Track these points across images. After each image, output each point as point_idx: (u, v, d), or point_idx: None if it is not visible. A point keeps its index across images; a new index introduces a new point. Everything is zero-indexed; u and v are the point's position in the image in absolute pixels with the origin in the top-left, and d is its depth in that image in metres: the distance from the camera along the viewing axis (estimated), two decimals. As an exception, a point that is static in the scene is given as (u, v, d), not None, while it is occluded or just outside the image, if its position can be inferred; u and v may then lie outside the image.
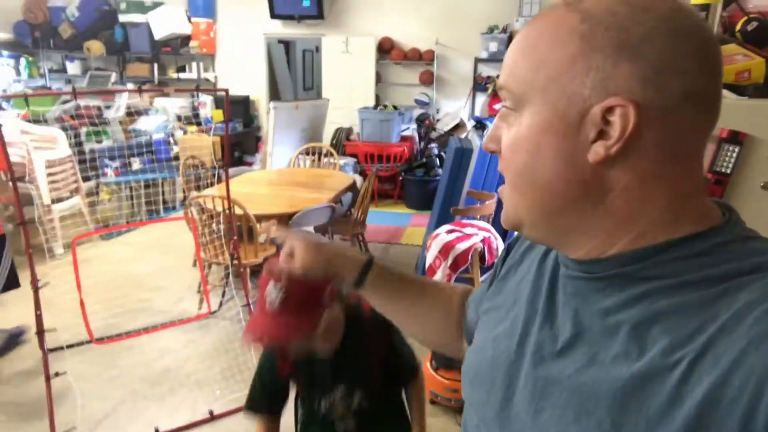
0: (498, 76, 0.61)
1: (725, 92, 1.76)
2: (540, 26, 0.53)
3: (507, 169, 0.56)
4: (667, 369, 0.45)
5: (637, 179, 0.50)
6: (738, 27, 1.92)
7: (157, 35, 7.15)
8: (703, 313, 0.46)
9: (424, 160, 6.34)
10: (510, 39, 6.38)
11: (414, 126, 6.85)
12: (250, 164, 7.17)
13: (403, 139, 6.63)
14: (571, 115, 0.50)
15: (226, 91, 2.87)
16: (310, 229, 4.39)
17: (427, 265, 3.39)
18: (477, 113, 6.88)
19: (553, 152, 0.51)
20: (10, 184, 2.27)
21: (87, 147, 5.52)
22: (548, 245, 0.62)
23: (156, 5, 7.17)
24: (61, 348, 2.79)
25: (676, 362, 0.45)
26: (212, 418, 2.68)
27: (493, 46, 6.46)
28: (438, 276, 3.26)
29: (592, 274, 0.54)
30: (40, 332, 2.54)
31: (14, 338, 3.36)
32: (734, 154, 1.73)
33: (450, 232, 3.46)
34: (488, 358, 0.64)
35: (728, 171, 1.75)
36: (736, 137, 1.73)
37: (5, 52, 7.44)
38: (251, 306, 3.11)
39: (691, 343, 0.45)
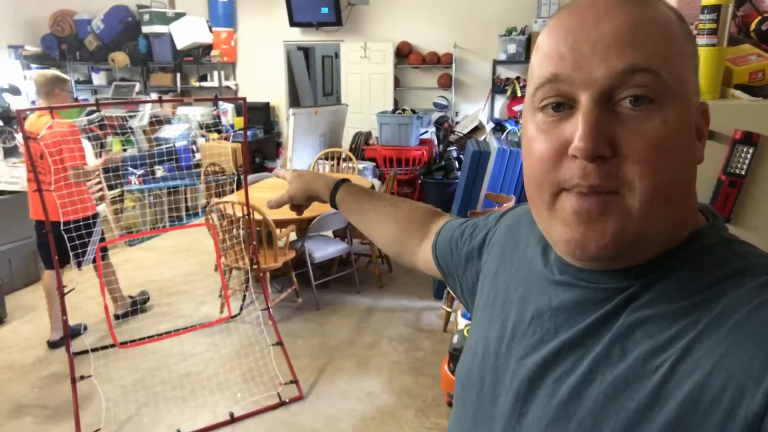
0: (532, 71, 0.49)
1: (738, 93, 1.74)
2: (661, 12, 0.49)
3: (652, 174, 0.47)
4: (648, 372, 0.46)
5: (693, 184, 0.52)
6: (752, 27, 1.90)
7: (179, 45, 7.29)
8: (685, 318, 0.46)
9: (443, 163, 6.34)
10: (529, 41, 6.35)
11: (433, 129, 6.85)
12: (271, 170, 7.25)
13: (422, 142, 6.64)
14: (693, 114, 0.50)
15: (244, 99, 2.93)
16: (329, 233, 4.43)
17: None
18: (496, 115, 6.85)
19: (693, 152, 0.50)
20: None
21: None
22: (617, 265, 0.52)
23: (178, 16, 7.31)
24: (86, 351, 2.86)
25: (658, 365, 0.46)
26: (233, 420, 2.72)
27: (512, 48, 6.44)
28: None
29: (591, 284, 0.54)
30: (66, 336, 2.62)
31: (138, 303, 3.82)
32: (749, 155, 1.71)
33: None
34: (479, 359, 0.65)
35: (743, 173, 1.74)
36: (750, 138, 1.71)
37: (34, 65, 7.65)
38: (270, 310, 3.15)
39: (672, 347, 0.45)
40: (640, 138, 0.46)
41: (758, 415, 0.39)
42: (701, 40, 1.68)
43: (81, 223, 3.05)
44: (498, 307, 0.66)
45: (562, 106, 0.49)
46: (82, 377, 2.60)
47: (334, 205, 1.00)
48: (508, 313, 0.64)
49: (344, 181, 1.00)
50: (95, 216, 3.42)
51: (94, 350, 2.93)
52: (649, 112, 0.46)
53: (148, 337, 3.13)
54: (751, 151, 1.65)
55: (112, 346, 2.93)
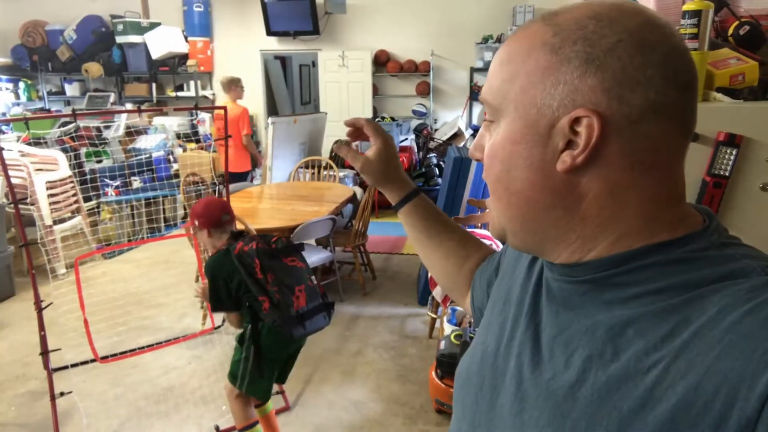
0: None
1: (720, 95, 1.78)
2: (518, 39, 0.55)
3: (487, 178, 0.58)
4: (641, 372, 0.46)
5: (606, 187, 0.51)
6: (730, 31, 1.95)
7: (155, 55, 7.21)
8: (675, 316, 0.46)
9: (424, 169, 6.37)
10: (505, 48, 6.43)
11: (412, 136, 6.88)
12: (251, 179, 7.18)
13: (402, 149, 6.66)
14: (541, 126, 0.51)
15: (225, 108, 2.90)
16: (312, 242, 4.39)
17: (429, 275, 3.39)
18: (474, 122, 6.92)
19: (524, 161, 0.53)
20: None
21: (87, 167, 5.55)
22: (531, 253, 0.63)
23: (153, 26, 7.23)
24: (66, 367, 2.78)
25: (651, 366, 0.45)
26: (218, 434, 2.67)
27: (488, 56, 6.52)
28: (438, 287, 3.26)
29: (572, 277, 0.55)
30: (45, 352, 2.54)
31: None
32: (732, 157, 1.74)
33: (451, 241, 3.47)
34: (478, 360, 0.65)
35: (726, 174, 1.77)
36: (733, 140, 1.74)
37: (4, 77, 7.49)
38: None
39: (665, 347, 0.45)
40: (486, 148, 0.58)
41: (751, 419, 0.38)
42: (683, 44, 1.72)
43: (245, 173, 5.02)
44: (497, 310, 0.68)
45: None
46: (61, 393, 2.53)
47: (397, 210, 0.94)
48: (506, 315, 0.65)
49: (418, 192, 0.94)
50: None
51: (73, 366, 2.86)
52: (493, 128, 0.57)
53: (129, 351, 3.06)
54: (734, 152, 1.68)
55: (92, 360, 2.86)
